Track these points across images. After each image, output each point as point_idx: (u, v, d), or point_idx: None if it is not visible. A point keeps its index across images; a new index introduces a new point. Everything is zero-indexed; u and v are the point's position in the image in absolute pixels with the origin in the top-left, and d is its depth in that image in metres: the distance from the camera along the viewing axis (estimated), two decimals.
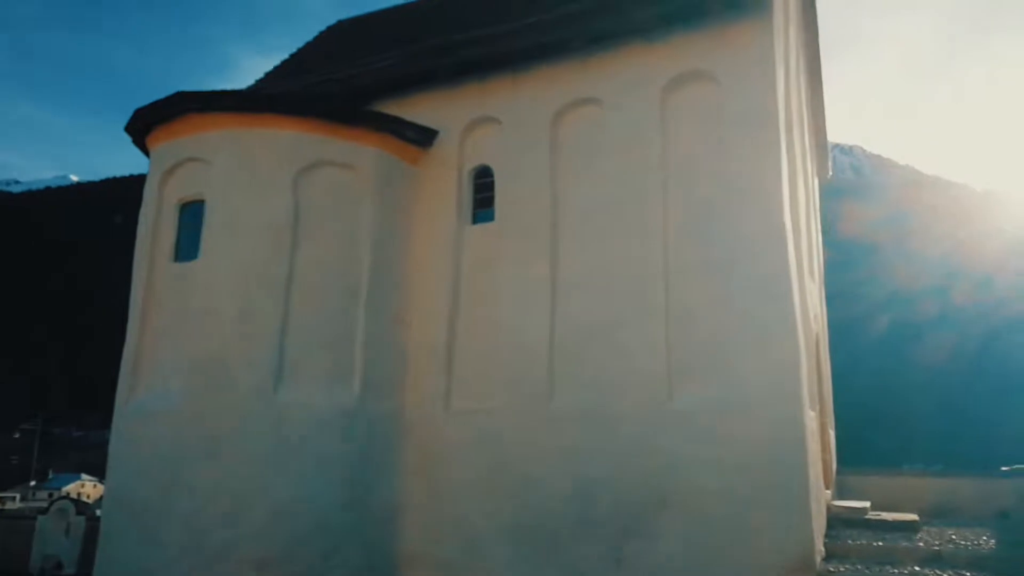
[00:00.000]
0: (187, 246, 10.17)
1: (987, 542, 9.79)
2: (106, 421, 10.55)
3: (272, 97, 11.52)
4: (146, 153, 11.24)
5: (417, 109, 11.16)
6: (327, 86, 12.45)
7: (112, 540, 9.65)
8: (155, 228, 10.44)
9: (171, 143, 10.56)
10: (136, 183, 11.56)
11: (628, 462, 8.83)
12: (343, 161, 10.38)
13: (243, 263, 9.71)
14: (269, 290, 9.66)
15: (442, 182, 10.94)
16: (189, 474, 9.11)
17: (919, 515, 11.16)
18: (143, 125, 10.88)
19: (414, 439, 10.15)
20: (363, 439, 9.80)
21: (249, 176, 9.97)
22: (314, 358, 9.75)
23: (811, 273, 11.79)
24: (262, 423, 9.28)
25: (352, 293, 10.12)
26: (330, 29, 17.72)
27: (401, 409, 10.26)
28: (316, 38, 17.27)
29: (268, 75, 15.23)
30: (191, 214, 10.25)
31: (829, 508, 10.71)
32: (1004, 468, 13.98)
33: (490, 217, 10.65)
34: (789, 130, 10.11)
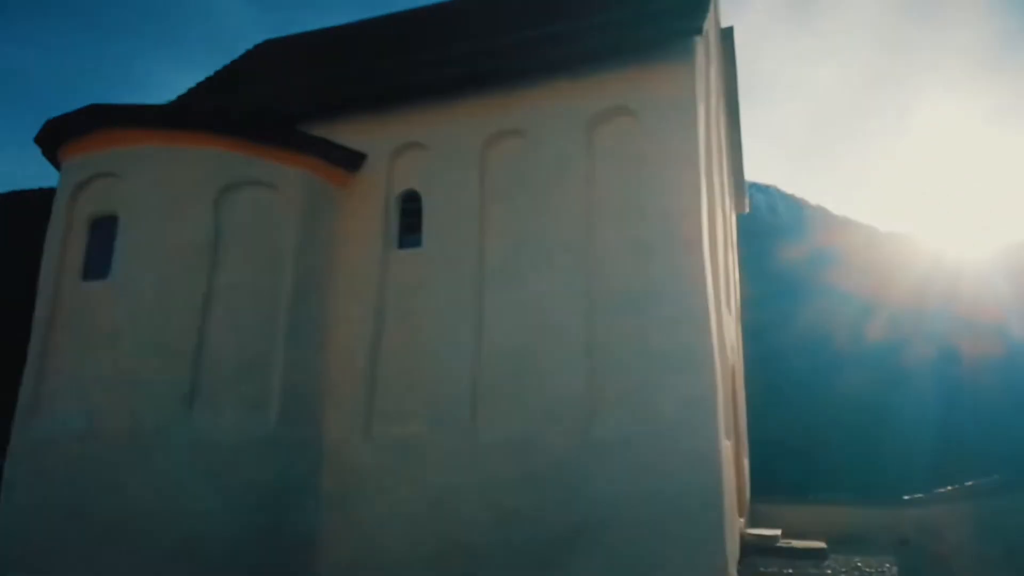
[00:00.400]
0: (97, 264, 9.76)
1: (889, 569, 10.21)
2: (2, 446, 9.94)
3: (194, 113, 11.26)
4: (57, 166, 10.79)
5: (345, 132, 11.07)
6: (252, 105, 12.26)
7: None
8: (63, 244, 9.98)
9: (84, 157, 10.16)
10: (46, 196, 11.05)
11: (547, 492, 8.84)
12: (268, 182, 10.19)
13: (157, 283, 9.37)
14: (184, 312, 9.34)
15: (369, 206, 10.85)
16: (90, 504, 8.65)
17: (827, 542, 11.55)
18: (55, 137, 10.45)
19: (333, 466, 9.92)
20: (280, 466, 9.52)
21: (167, 194, 9.67)
22: (230, 383, 9.45)
23: (728, 306, 12.17)
24: (172, 450, 8.91)
25: (272, 316, 9.88)
26: (257, 48, 17.49)
27: (320, 436, 10.01)
28: (242, 56, 17.01)
29: (190, 91, 14.88)
30: (103, 231, 9.87)
31: (742, 536, 10.97)
32: (905, 497, 14.61)
33: (417, 242, 10.61)
34: (709, 167, 10.47)
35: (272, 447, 9.50)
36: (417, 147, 10.88)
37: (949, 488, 10.59)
